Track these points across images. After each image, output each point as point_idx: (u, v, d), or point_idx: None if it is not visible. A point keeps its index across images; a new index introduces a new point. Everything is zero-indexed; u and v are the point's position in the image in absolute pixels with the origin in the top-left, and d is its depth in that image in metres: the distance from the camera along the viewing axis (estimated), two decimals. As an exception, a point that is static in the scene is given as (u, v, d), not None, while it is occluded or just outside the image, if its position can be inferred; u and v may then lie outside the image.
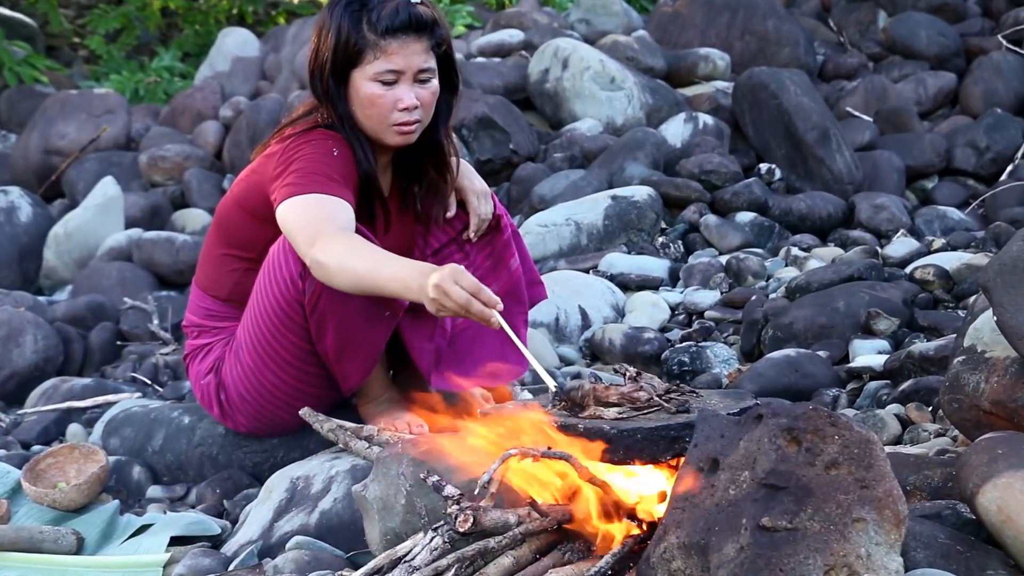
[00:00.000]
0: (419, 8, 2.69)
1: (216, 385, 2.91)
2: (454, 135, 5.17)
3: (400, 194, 2.94)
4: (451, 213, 2.98)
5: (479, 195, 2.98)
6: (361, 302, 2.62)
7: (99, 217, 5.39)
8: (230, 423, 2.97)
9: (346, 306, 2.63)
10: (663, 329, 3.93)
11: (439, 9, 2.78)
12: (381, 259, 2.46)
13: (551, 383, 2.26)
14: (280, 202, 2.60)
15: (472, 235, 2.97)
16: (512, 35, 6.42)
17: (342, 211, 2.58)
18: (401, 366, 2.98)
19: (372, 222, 2.79)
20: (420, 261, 2.58)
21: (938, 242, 4.47)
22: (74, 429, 3.53)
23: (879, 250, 4.41)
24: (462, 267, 2.33)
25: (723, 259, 4.44)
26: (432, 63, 2.73)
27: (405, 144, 2.79)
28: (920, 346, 3.14)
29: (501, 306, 2.31)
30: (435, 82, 2.75)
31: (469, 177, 2.99)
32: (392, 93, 2.70)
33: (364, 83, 2.70)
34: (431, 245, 3.01)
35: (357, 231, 2.62)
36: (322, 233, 2.51)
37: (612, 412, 2.17)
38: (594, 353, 3.82)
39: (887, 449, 2.55)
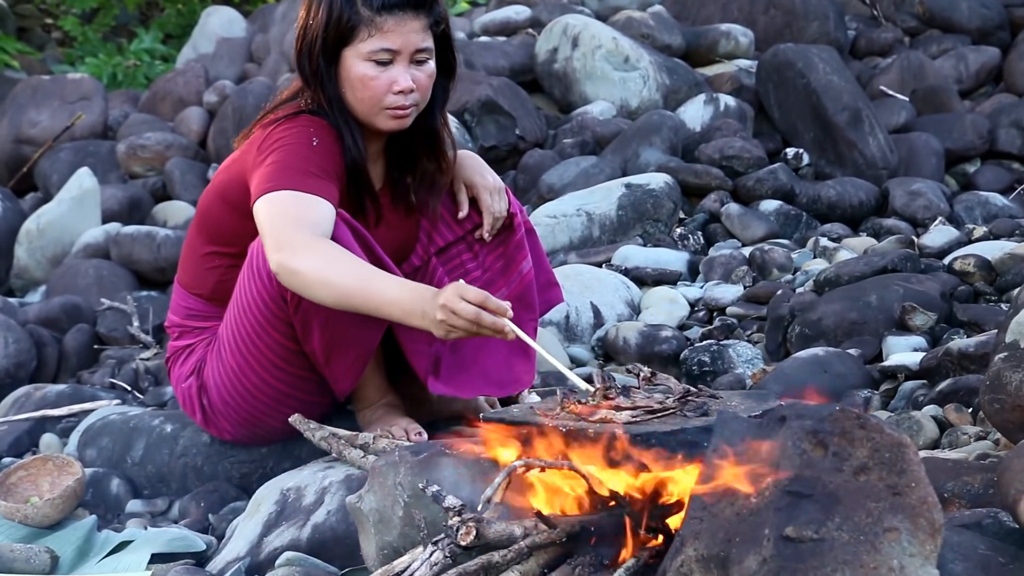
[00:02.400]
0: None
1: (198, 388, 2.92)
2: (455, 121, 5.22)
3: (392, 186, 2.94)
4: (463, 213, 2.97)
5: (492, 191, 2.98)
6: None
7: (74, 211, 5.41)
8: (214, 430, 2.98)
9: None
10: (682, 327, 3.93)
11: None
12: (370, 276, 2.48)
13: (582, 383, 2.29)
14: (255, 198, 2.62)
15: (486, 235, 2.97)
16: (518, 12, 6.43)
17: (318, 211, 2.57)
18: (403, 373, 2.98)
19: (362, 216, 2.79)
20: (419, 283, 2.60)
21: (979, 230, 4.46)
22: (48, 439, 3.54)
23: (915, 240, 4.41)
24: (461, 281, 2.38)
25: (746, 251, 4.44)
26: (430, 43, 2.75)
27: (399, 129, 2.79)
28: (959, 342, 3.14)
29: (510, 312, 2.36)
30: (432, 64, 2.77)
31: (481, 172, 2.99)
32: (387, 74, 2.71)
33: (357, 63, 2.71)
34: (436, 243, 3.01)
35: (349, 224, 2.63)
36: (293, 237, 2.51)
37: (625, 415, 2.17)
38: (608, 353, 3.83)
39: (924, 454, 2.55)
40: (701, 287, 4.21)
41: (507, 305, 2.35)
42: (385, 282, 2.47)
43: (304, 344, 2.74)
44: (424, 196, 2.95)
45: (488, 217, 2.97)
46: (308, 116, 2.75)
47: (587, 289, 4.05)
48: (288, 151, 2.66)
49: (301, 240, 2.51)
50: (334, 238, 2.57)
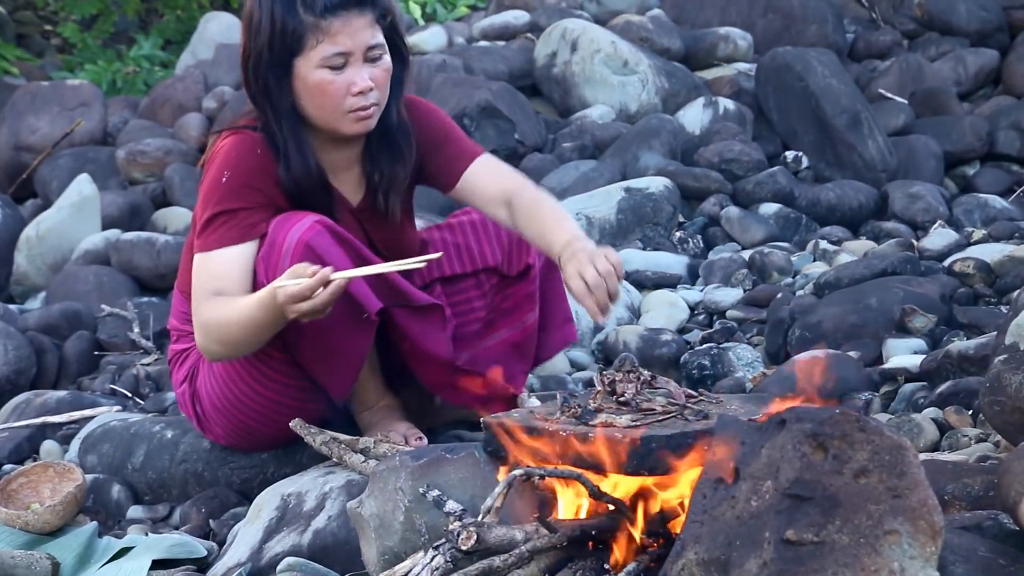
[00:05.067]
0: None
1: (191, 395, 2.93)
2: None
3: (371, 191, 2.86)
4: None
5: (583, 260, 2.56)
6: (338, 308, 2.55)
7: (74, 218, 5.41)
8: (210, 435, 2.99)
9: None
10: (682, 330, 3.93)
11: None
12: (232, 301, 2.60)
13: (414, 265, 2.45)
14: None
15: (601, 319, 2.67)
16: (517, 16, 6.44)
17: (214, 267, 2.65)
18: (404, 381, 2.97)
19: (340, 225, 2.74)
20: None
21: (979, 233, 4.47)
22: (49, 446, 3.54)
23: (915, 242, 4.42)
24: (294, 266, 2.48)
25: (746, 254, 4.44)
26: (380, 37, 2.67)
27: (364, 131, 2.73)
28: (959, 345, 3.14)
29: (328, 269, 2.45)
30: (387, 58, 2.70)
31: (570, 237, 2.64)
32: (343, 77, 2.64)
33: (310, 71, 2.63)
34: (443, 270, 2.98)
35: (331, 230, 2.63)
36: (194, 309, 2.66)
37: (625, 419, 2.18)
38: (608, 357, 3.83)
39: (924, 456, 2.56)
40: (701, 290, 4.21)
41: (324, 270, 2.43)
42: (241, 309, 2.58)
43: (295, 355, 2.73)
44: (386, 194, 2.84)
45: (589, 303, 2.57)
46: (234, 136, 2.71)
47: (587, 293, 4.04)
48: (204, 195, 2.70)
49: (195, 312, 2.67)
50: (314, 246, 2.59)
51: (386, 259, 2.76)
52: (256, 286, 2.64)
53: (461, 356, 2.92)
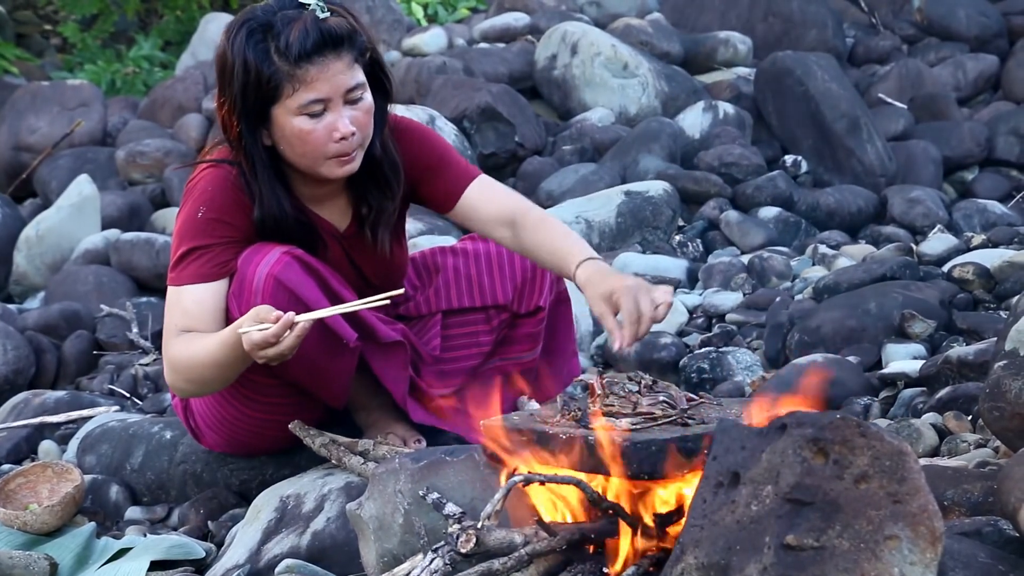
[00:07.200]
0: (330, 22, 2.52)
1: (184, 408, 2.93)
2: (455, 128, 5.21)
3: (359, 220, 2.81)
4: (618, 344, 2.47)
5: (638, 287, 2.47)
6: (316, 335, 2.55)
7: (73, 218, 5.41)
8: (206, 445, 2.99)
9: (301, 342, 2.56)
10: (681, 334, 3.93)
11: (354, 11, 2.63)
12: (199, 339, 2.58)
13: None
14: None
15: (624, 346, 2.47)
16: (517, 18, 6.44)
17: (184, 303, 2.62)
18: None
19: (322, 256, 2.72)
20: (400, 329, 2.66)
21: (978, 238, 4.47)
22: (47, 446, 3.54)
23: (914, 247, 4.41)
24: (256, 308, 2.46)
25: (745, 258, 4.45)
26: (360, 76, 2.57)
27: (348, 175, 2.66)
28: (959, 350, 3.14)
29: (291, 314, 2.41)
30: (368, 96, 2.60)
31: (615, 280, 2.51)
32: (323, 124, 2.54)
33: (288, 119, 2.54)
34: (451, 302, 2.98)
35: (300, 260, 2.61)
36: (164, 346, 2.64)
37: (625, 423, 2.17)
38: (607, 361, 3.83)
39: (923, 461, 2.56)
40: (700, 294, 4.21)
41: (287, 315, 2.40)
42: (207, 348, 2.55)
43: (283, 376, 2.72)
44: (375, 228, 2.79)
45: (631, 328, 2.44)
46: (211, 170, 2.66)
47: (586, 296, 4.04)
48: (179, 230, 2.66)
49: (164, 348, 2.65)
50: (283, 279, 2.57)
51: (372, 285, 2.77)
52: (229, 322, 2.60)
53: (451, 384, 2.92)
